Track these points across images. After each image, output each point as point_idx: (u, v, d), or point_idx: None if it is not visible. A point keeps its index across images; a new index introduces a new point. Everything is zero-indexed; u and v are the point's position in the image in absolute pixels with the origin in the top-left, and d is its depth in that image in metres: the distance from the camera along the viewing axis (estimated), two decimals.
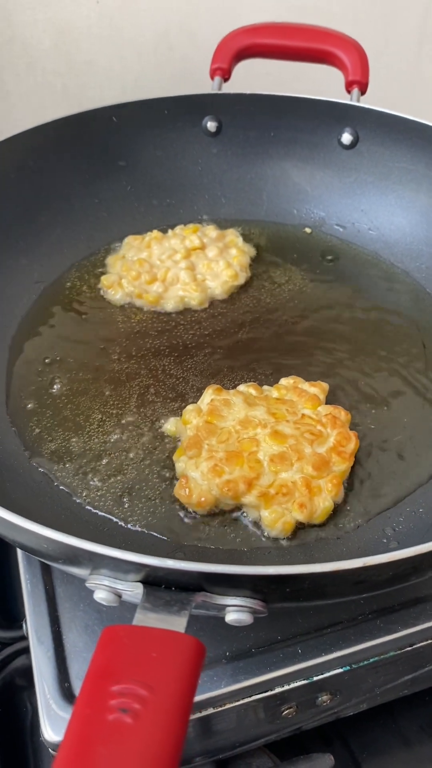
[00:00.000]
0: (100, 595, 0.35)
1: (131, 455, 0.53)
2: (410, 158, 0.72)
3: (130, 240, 0.72)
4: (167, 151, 0.76)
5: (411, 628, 0.47)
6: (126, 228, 0.74)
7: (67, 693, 0.44)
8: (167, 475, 0.52)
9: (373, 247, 0.74)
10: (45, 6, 0.86)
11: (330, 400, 0.57)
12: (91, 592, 0.36)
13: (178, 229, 0.72)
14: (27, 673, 0.62)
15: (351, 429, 0.53)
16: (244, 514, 0.50)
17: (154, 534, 0.48)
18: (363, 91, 0.74)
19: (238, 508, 0.50)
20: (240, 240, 0.72)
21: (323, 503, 0.49)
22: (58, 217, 0.71)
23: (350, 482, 0.52)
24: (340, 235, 0.76)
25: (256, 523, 0.49)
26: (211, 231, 0.72)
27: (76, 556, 0.35)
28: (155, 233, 0.71)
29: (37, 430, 0.55)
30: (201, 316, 0.66)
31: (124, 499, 0.50)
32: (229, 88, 0.77)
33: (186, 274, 0.67)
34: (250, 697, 0.45)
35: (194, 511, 0.50)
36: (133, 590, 0.34)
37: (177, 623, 0.32)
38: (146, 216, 0.75)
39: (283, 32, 0.76)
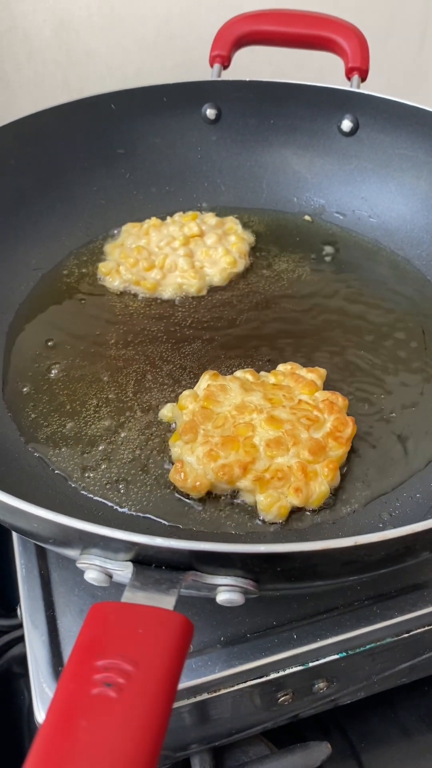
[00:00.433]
0: (91, 576, 0.35)
1: (127, 440, 0.53)
2: (411, 145, 0.71)
3: (129, 227, 0.71)
4: (166, 139, 0.76)
5: (408, 614, 0.47)
6: (124, 215, 0.73)
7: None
8: (163, 460, 0.52)
9: (373, 235, 0.74)
10: None
11: (328, 386, 0.56)
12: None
13: (177, 216, 0.72)
14: (24, 660, 0.62)
15: (348, 414, 0.53)
16: (240, 498, 0.49)
17: (150, 518, 0.48)
18: (363, 78, 0.74)
19: (234, 492, 0.50)
20: (239, 227, 0.72)
21: (319, 488, 0.48)
22: (57, 205, 0.71)
23: (347, 467, 0.52)
24: (340, 222, 0.76)
25: (252, 508, 0.49)
26: (210, 218, 0.72)
27: (66, 536, 0.35)
28: (154, 220, 0.71)
29: (33, 416, 0.55)
30: (199, 303, 0.66)
31: (120, 484, 0.50)
32: (228, 76, 0.76)
33: (184, 261, 0.67)
34: (245, 682, 0.45)
35: (190, 496, 0.49)
36: (123, 570, 0.34)
37: (165, 601, 0.31)
38: (145, 203, 0.75)
39: (282, 19, 0.75)
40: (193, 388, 0.55)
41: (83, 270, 0.69)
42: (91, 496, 0.50)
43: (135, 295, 0.67)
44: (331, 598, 0.47)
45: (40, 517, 0.34)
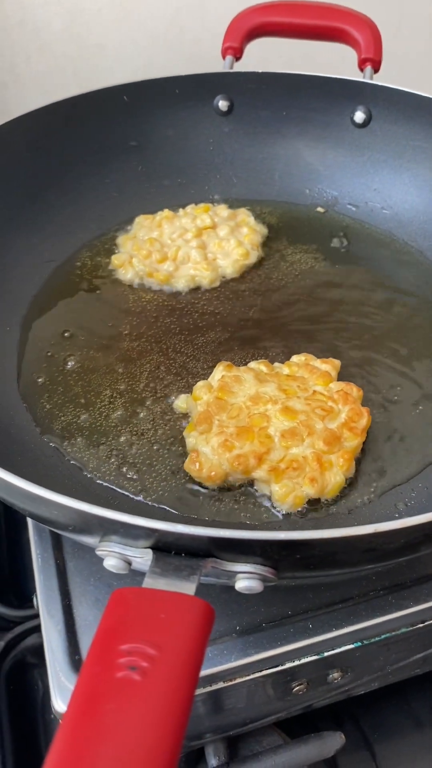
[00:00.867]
0: (110, 563, 0.35)
1: (142, 430, 0.53)
2: (424, 136, 0.71)
3: (141, 219, 0.71)
4: (178, 131, 0.76)
5: (423, 604, 0.47)
6: (137, 207, 0.73)
7: (77, 665, 0.44)
8: (178, 450, 0.52)
9: (386, 227, 0.73)
10: None
11: (342, 376, 0.56)
12: (102, 566, 0.36)
13: (189, 208, 0.72)
14: (39, 651, 0.62)
15: (363, 405, 0.53)
16: (255, 488, 0.50)
17: (165, 507, 0.48)
18: (376, 69, 0.74)
19: (249, 482, 0.50)
20: (251, 219, 0.72)
21: (334, 478, 0.48)
22: (69, 197, 0.71)
23: (362, 458, 0.52)
24: (352, 214, 0.75)
25: (267, 498, 0.49)
26: (223, 210, 0.72)
27: (86, 523, 0.35)
28: (166, 212, 0.71)
29: (48, 406, 0.55)
30: (212, 294, 0.66)
31: (135, 474, 0.50)
32: (240, 68, 0.76)
33: (197, 253, 0.67)
34: (260, 671, 0.45)
35: (204, 486, 0.50)
36: (142, 557, 0.34)
37: (186, 587, 0.31)
38: (157, 196, 0.75)
39: (294, 10, 0.75)
40: (207, 379, 0.55)
41: (96, 262, 0.69)
42: (106, 485, 0.50)
43: (148, 287, 0.67)
44: (346, 587, 0.47)
45: (60, 504, 0.34)
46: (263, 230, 0.72)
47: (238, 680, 0.44)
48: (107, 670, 0.25)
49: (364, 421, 0.51)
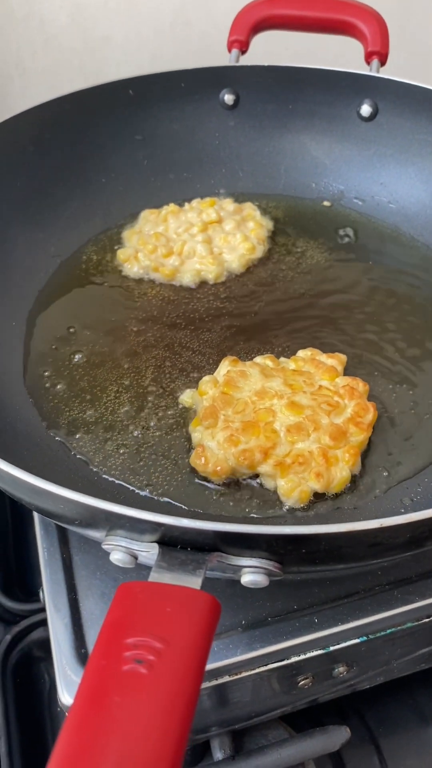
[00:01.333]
0: (116, 557, 0.35)
1: (147, 425, 0.53)
2: (431, 129, 0.71)
3: (147, 214, 0.71)
4: (184, 125, 0.76)
5: (428, 598, 0.47)
6: (142, 202, 0.73)
7: (83, 659, 0.44)
8: (183, 444, 0.52)
9: (392, 221, 0.73)
10: None
11: (348, 371, 0.56)
12: (108, 560, 0.36)
13: (195, 202, 0.72)
14: (45, 644, 0.63)
15: (369, 400, 0.53)
16: (261, 483, 0.50)
17: (171, 502, 0.48)
18: (383, 62, 0.73)
19: (255, 477, 0.50)
20: (257, 213, 0.72)
21: (340, 473, 0.48)
22: (75, 191, 0.71)
23: (368, 453, 0.52)
24: (359, 208, 0.75)
25: (273, 493, 0.49)
26: (228, 204, 0.72)
27: (92, 517, 0.35)
28: (172, 207, 0.71)
29: (54, 401, 0.55)
30: (218, 289, 0.66)
31: (141, 468, 0.50)
32: (246, 61, 0.76)
33: (203, 248, 0.67)
34: (265, 665, 0.45)
35: (210, 480, 0.50)
36: (149, 551, 0.34)
37: (192, 581, 0.31)
38: (163, 190, 0.75)
39: (300, 3, 0.74)
40: (213, 374, 0.55)
41: (102, 257, 0.69)
42: (112, 480, 0.50)
43: (153, 282, 0.67)
44: (352, 582, 0.47)
45: (67, 498, 0.34)
46: (269, 224, 0.72)
47: (244, 674, 0.45)
48: (113, 663, 0.25)
49: (370, 416, 0.51)
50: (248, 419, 0.50)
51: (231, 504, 0.49)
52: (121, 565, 0.35)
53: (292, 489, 0.47)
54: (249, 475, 0.49)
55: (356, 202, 0.76)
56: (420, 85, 0.69)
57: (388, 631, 0.47)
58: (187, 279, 0.66)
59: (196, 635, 0.27)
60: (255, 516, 0.48)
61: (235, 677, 0.44)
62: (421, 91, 0.70)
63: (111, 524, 0.35)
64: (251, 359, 0.57)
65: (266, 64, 0.74)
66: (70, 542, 0.50)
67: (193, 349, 0.60)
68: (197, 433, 0.51)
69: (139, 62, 0.94)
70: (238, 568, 0.34)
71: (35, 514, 0.51)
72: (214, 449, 0.49)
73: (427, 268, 0.68)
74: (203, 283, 0.66)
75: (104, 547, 0.36)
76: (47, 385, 0.56)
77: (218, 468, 0.48)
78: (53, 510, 0.37)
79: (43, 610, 0.61)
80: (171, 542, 0.34)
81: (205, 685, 0.44)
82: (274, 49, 0.83)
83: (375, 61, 0.73)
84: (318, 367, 0.54)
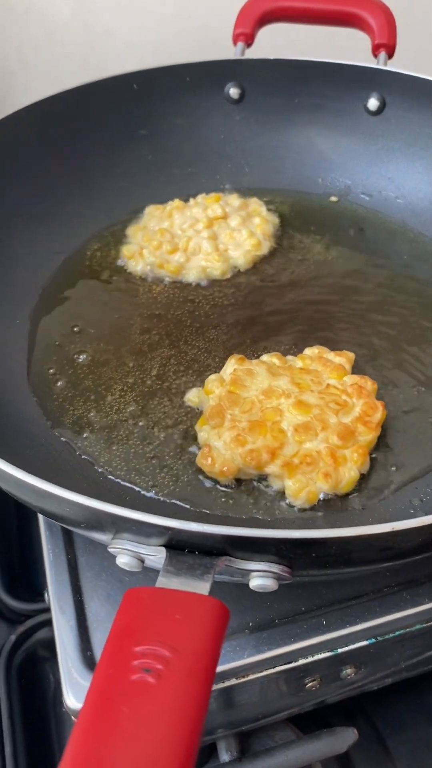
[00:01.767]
0: (123, 560, 0.35)
1: (153, 425, 0.53)
2: None
3: (151, 210, 0.71)
4: (189, 119, 0.75)
5: None
6: (147, 197, 0.72)
7: (89, 661, 0.44)
8: (189, 444, 0.51)
9: (400, 216, 0.72)
10: None
11: (356, 370, 0.55)
12: (113, 561, 0.35)
13: (200, 198, 0.71)
14: (49, 644, 0.62)
15: (378, 399, 0.52)
16: (268, 483, 0.49)
17: (177, 503, 0.48)
18: (390, 55, 0.72)
19: (262, 477, 0.49)
20: (263, 209, 0.71)
21: (349, 473, 0.48)
22: (78, 187, 0.70)
23: (377, 452, 0.51)
24: (366, 204, 0.74)
25: (280, 493, 0.48)
26: (234, 200, 0.71)
27: (98, 520, 0.35)
28: (177, 202, 0.70)
29: (59, 400, 0.55)
30: (223, 286, 0.65)
31: (146, 469, 0.50)
32: (251, 54, 0.75)
33: (208, 244, 0.66)
34: (273, 668, 0.44)
35: (217, 481, 0.49)
36: (156, 555, 0.34)
37: (200, 587, 0.31)
38: (167, 185, 0.74)
39: None
40: (219, 373, 0.55)
41: (106, 253, 0.68)
42: (117, 480, 0.49)
43: (158, 279, 0.66)
44: (360, 583, 0.47)
45: (72, 501, 0.33)
46: (275, 220, 0.71)
47: (251, 677, 0.44)
48: (122, 672, 0.25)
49: (378, 415, 0.50)
50: (255, 419, 0.49)
51: (238, 505, 0.48)
52: (127, 568, 0.35)
53: (299, 490, 0.47)
54: (256, 475, 0.49)
55: (363, 197, 0.75)
56: (429, 78, 0.68)
57: (398, 632, 0.46)
58: (192, 276, 0.66)
59: (205, 643, 0.27)
60: (262, 517, 0.47)
61: (243, 680, 0.44)
62: (430, 84, 0.68)
63: (117, 527, 0.34)
64: (258, 357, 0.56)
65: (272, 57, 0.73)
66: (76, 543, 0.50)
67: (199, 347, 0.59)
68: (203, 432, 0.51)
69: (142, 56, 0.93)
70: (247, 572, 0.34)
71: (40, 515, 0.50)
72: (221, 449, 0.49)
73: None
74: (209, 280, 0.66)
75: (110, 550, 0.35)
76: (51, 383, 0.56)
77: (225, 468, 0.48)
78: (59, 513, 0.37)
79: (47, 609, 0.61)
80: (178, 546, 0.34)
81: (212, 688, 0.43)
82: (280, 42, 0.82)
83: (382, 54, 0.72)
84: (325, 366, 0.54)
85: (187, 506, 0.48)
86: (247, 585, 0.34)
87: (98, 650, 0.44)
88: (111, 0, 0.88)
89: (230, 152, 0.77)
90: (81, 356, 0.58)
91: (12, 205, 0.65)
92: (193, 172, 0.76)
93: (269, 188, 0.76)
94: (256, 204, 0.71)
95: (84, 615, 0.46)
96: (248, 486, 0.49)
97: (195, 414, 0.54)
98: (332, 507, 0.48)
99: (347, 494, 0.49)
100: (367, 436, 0.50)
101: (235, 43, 0.75)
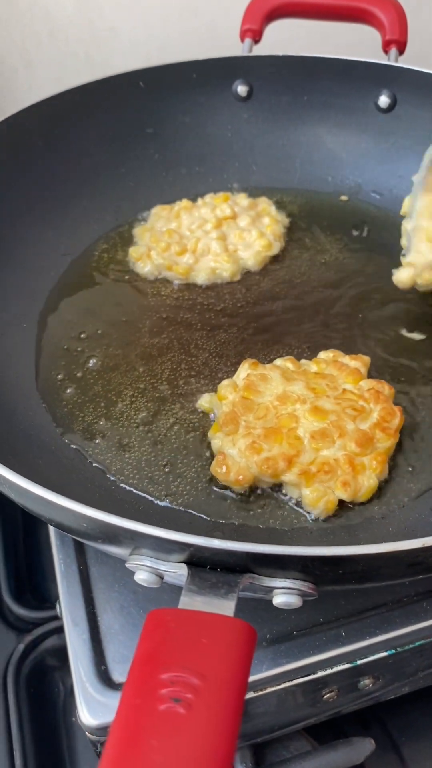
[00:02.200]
0: (141, 577, 0.34)
1: (165, 431, 0.52)
2: None
3: (159, 210, 0.69)
4: (196, 117, 0.73)
5: None
6: (154, 197, 0.71)
7: (103, 676, 0.43)
8: (203, 452, 0.50)
9: None
10: None
11: (372, 374, 0.54)
12: (126, 572, 0.34)
13: (208, 197, 0.70)
14: (58, 653, 0.61)
15: (395, 404, 0.51)
16: (284, 492, 0.48)
17: (191, 512, 0.47)
18: (401, 51, 0.71)
19: (278, 486, 0.48)
20: (273, 208, 0.70)
21: (367, 481, 0.47)
22: (84, 188, 0.69)
23: (395, 459, 0.50)
24: (377, 202, 0.73)
25: (297, 502, 0.47)
26: (243, 199, 0.70)
27: (116, 536, 0.33)
28: (184, 202, 0.69)
29: (68, 407, 0.53)
30: (234, 288, 0.64)
31: (159, 477, 0.49)
32: (259, 51, 0.73)
33: (217, 245, 0.65)
34: (291, 681, 0.43)
35: (231, 489, 0.48)
36: (176, 571, 0.33)
37: (225, 606, 0.30)
38: (175, 185, 0.73)
39: None
40: (231, 378, 0.53)
41: (113, 255, 0.67)
42: (130, 489, 0.48)
43: (167, 281, 0.65)
44: (379, 594, 0.46)
45: (90, 517, 0.32)
46: (285, 220, 0.70)
47: (269, 690, 0.43)
48: (149, 702, 0.24)
49: (396, 420, 0.49)
50: (270, 425, 0.48)
51: (253, 514, 0.47)
52: (146, 585, 0.34)
53: (317, 499, 0.46)
54: (272, 484, 0.48)
55: (374, 195, 0.74)
56: None
57: (417, 643, 0.45)
58: (201, 277, 0.64)
59: (235, 669, 0.26)
60: (279, 527, 0.46)
61: (260, 693, 0.43)
62: None
63: (136, 543, 0.33)
64: (270, 361, 0.55)
65: (280, 53, 0.72)
66: (87, 554, 0.49)
67: (210, 350, 0.58)
68: (217, 440, 0.49)
69: (147, 53, 0.91)
70: (270, 590, 0.33)
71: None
72: (236, 457, 0.47)
73: None
74: (218, 282, 0.65)
75: (128, 566, 0.34)
76: (60, 389, 0.55)
77: (240, 477, 0.47)
78: (74, 527, 0.36)
79: (55, 617, 0.60)
80: (200, 563, 0.32)
81: None
82: (288, 38, 0.81)
83: (393, 50, 0.70)
84: (341, 370, 0.53)
85: (202, 516, 0.47)
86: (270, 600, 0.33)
87: (113, 664, 0.43)
88: None
89: (238, 151, 0.75)
90: (90, 361, 0.57)
91: (17, 206, 0.64)
92: (200, 171, 0.74)
93: (278, 187, 0.75)
94: (265, 203, 0.70)
95: (97, 627, 0.45)
96: (264, 495, 0.48)
97: (207, 420, 0.52)
98: (351, 516, 0.47)
99: (365, 502, 0.47)
100: (386, 442, 0.48)
101: (242, 39, 0.73)
